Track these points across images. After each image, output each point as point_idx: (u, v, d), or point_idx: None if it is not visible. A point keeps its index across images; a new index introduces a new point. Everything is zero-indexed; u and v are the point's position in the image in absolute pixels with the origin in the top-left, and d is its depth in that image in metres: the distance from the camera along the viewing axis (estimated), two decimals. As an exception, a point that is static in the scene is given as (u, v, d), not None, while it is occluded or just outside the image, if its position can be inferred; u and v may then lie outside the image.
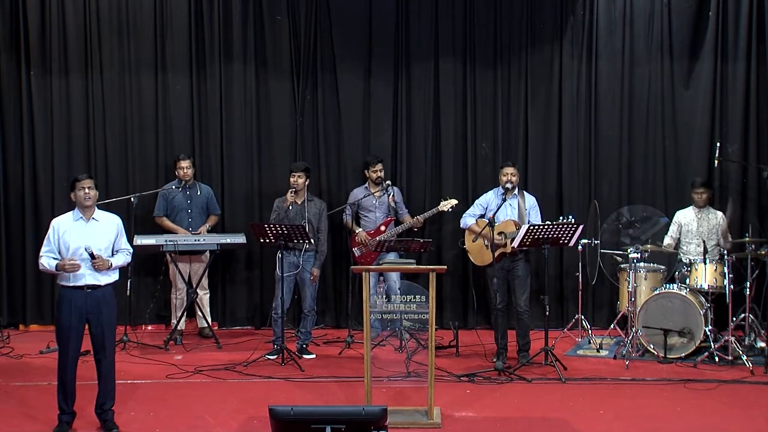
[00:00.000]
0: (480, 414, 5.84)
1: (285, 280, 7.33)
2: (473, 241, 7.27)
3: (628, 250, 7.51)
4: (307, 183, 7.56)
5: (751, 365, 6.83)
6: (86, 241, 5.36)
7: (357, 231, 7.98)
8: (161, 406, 6.04)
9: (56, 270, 5.36)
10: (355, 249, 7.96)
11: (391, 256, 7.26)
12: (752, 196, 8.35)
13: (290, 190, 7.48)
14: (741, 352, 7.02)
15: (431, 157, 8.72)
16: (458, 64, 8.66)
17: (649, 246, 7.66)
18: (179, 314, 8.03)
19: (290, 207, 7.47)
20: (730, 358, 7.00)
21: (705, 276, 7.26)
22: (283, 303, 7.30)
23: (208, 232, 8.17)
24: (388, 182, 7.99)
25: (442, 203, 7.82)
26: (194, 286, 8.10)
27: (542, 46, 8.63)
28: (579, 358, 7.39)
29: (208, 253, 8.01)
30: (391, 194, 7.92)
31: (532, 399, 6.19)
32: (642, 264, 7.59)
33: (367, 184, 8.15)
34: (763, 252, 7.25)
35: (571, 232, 6.90)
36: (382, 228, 7.96)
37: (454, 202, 7.80)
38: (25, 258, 8.58)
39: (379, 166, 8.08)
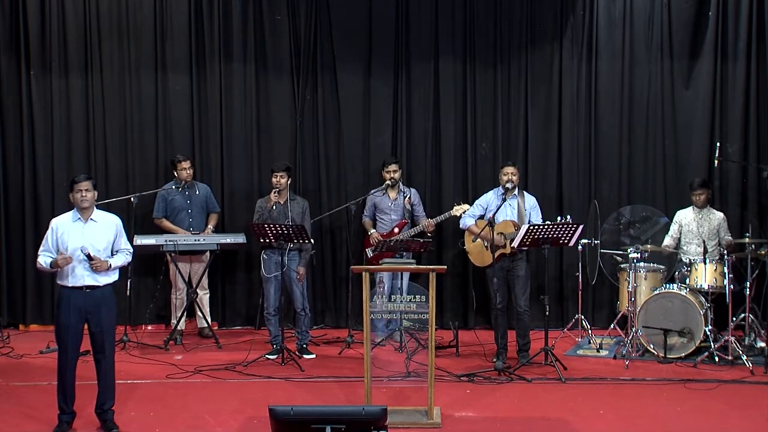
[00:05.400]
0: (480, 414, 5.84)
1: (272, 280, 7.33)
2: (473, 242, 7.27)
3: (628, 250, 7.51)
4: (289, 182, 7.53)
5: (751, 365, 6.83)
6: (84, 241, 5.36)
7: (371, 232, 7.98)
8: (161, 406, 6.04)
9: (51, 268, 5.36)
10: (368, 249, 7.95)
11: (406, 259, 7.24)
12: (752, 196, 8.36)
13: (273, 191, 7.46)
14: (741, 352, 7.02)
15: (431, 157, 8.72)
16: (458, 64, 8.66)
17: (649, 246, 7.66)
18: (179, 314, 8.03)
19: (273, 207, 7.45)
20: (730, 358, 7.00)
21: (705, 276, 7.26)
22: (278, 302, 7.30)
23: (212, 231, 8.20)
24: (403, 186, 7.97)
25: (455, 208, 7.70)
26: (194, 286, 8.10)
27: (542, 46, 8.63)
28: (579, 358, 7.39)
29: (208, 253, 8.01)
30: (407, 196, 7.90)
31: (532, 399, 6.19)
32: (642, 264, 7.60)
33: (384, 185, 8.10)
34: (763, 252, 7.25)
35: (571, 232, 6.90)
36: (396, 230, 7.94)
37: (466, 207, 7.65)
38: (25, 258, 8.57)
39: (393, 167, 7.96)
